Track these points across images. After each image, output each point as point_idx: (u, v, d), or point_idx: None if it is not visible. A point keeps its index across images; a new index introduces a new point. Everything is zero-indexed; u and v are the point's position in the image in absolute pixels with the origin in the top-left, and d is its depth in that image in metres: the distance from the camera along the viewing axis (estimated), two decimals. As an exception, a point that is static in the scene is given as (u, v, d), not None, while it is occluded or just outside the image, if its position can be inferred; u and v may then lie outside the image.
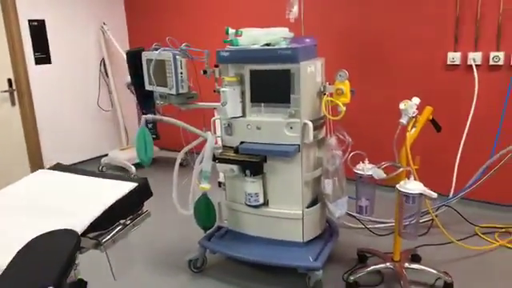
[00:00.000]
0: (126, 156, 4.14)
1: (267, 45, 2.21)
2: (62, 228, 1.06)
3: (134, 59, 2.53)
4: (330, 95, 2.14)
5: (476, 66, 2.85)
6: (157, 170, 3.77)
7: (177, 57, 2.30)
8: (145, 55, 2.45)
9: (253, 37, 2.23)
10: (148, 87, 2.48)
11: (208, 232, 2.42)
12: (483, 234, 2.68)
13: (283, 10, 2.95)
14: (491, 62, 2.80)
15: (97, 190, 1.32)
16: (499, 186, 2.87)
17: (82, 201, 1.26)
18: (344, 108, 2.07)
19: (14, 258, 1.00)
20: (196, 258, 2.40)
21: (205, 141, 2.29)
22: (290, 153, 2.08)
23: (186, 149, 2.43)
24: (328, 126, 2.27)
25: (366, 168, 2.10)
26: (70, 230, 1.07)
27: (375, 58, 3.25)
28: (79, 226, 1.13)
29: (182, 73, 2.33)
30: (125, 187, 1.30)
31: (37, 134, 4.08)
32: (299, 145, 2.11)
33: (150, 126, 2.52)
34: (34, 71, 4.01)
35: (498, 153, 2.61)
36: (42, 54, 4.04)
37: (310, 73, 2.12)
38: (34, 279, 0.91)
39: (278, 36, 2.23)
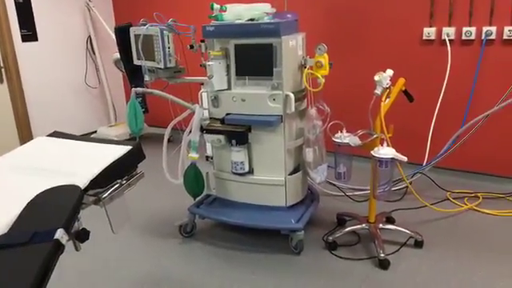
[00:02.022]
0: (115, 132, 4.24)
1: (251, 20, 2.31)
2: (65, 184, 1.19)
3: (122, 35, 2.60)
4: (310, 68, 2.26)
5: (449, 40, 3.00)
6: (146, 146, 3.83)
7: (164, 32, 2.39)
8: (133, 31, 2.53)
9: (237, 12, 2.33)
10: (136, 62, 2.57)
11: (197, 199, 2.56)
12: (454, 198, 2.88)
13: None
14: (463, 37, 2.95)
15: (95, 152, 1.43)
16: (469, 155, 3.07)
17: (82, 161, 1.38)
18: (323, 80, 2.20)
19: (23, 210, 1.13)
20: (186, 224, 2.55)
21: (192, 114, 2.42)
22: (273, 123, 2.22)
23: (174, 121, 2.54)
24: (309, 97, 2.41)
25: (343, 136, 2.25)
26: (73, 185, 1.20)
27: (355, 33, 3.37)
28: (80, 183, 1.26)
29: (169, 47, 2.43)
30: (120, 150, 1.42)
31: (26, 112, 4.13)
32: (282, 115, 2.24)
33: (139, 99, 2.63)
34: (21, 49, 4.03)
35: (468, 123, 2.80)
36: (29, 32, 4.06)
37: (292, 47, 2.24)
38: (45, 223, 1.03)
39: (260, 11, 2.34)
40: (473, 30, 2.91)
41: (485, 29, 2.87)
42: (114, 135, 4.18)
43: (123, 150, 1.42)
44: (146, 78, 2.58)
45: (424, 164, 3.00)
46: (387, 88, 2.19)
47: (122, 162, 1.40)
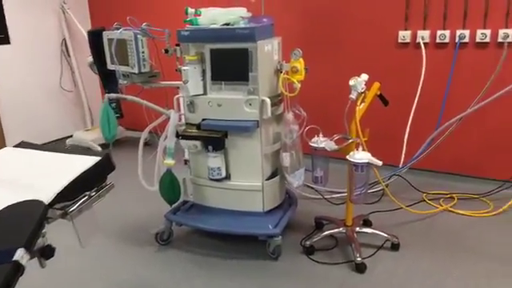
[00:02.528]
0: (91, 137, 4.16)
1: (226, 24, 2.29)
2: (29, 199, 1.15)
3: (95, 39, 2.56)
4: (286, 73, 2.26)
5: (424, 43, 3.03)
6: (122, 150, 3.82)
7: (138, 36, 2.35)
8: (106, 35, 2.48)
9: (212, 16, 2.30)
10: (110, 66, 2.52)
11: (174, 206, 2.53)
12: (430, 200, 2.92)
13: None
14: (438, 40, 2.99)
15: (62, 164, 1.40)
16: (445, 156, 3.11)
17: (48, 174, 1.34)
18: (299, 85, 2.20)
19: (-17, 227, 1.08)
20: (162, 231, 2.51)
21: (168, 119, 2.39)
22: (250, 128, 2.21)
23: (150, 126, 2.51)
24: (286, 102, 2.40)
25: (319, 141, 2.24)
26: (37, 200, 1.16)
27: (331, 36, 3.38)
28: (45, 197, 1.22)
29: (143, 52, 2.39)
30: (88, 161, 1.38)
31: (-2, 116, 4.03)
32: (258, 120, 2.23)
33: (113, 105, 2.58)
34: (-7, 52, 3.93)
35: (443, 125, 2.84)
36: (1, 35, 3.95)
37: (267, 51, 2.23)
38: (5, 243, 0.99)
39: (236, 16, 2.31)
40: (447, 33, 2.96)
41: (458, 32, 2.92)
42: (89, 139, 4.09)
43: (91, 161, 1.38)
44: (120, 82, 2.53)
45: (400, 166, 3.03)
46: (362, 93, 2.20)
47: (91, 173, 1.37)
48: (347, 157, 2.15)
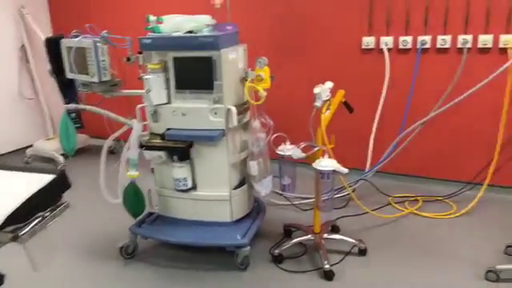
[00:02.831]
0: (52, 146, 3.99)
1: (190, 32, 2.25)
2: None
3: (53, 47, 2.46)
4: (252, 81, 2.24)
5: (387, 49, 3.09)
6: (87, 159, 3.70)
7: (98, 44, 2.27)
8: (64, 43, 2.39)
9: (175, 24, 2.26)
10: (69, 75, 2.43)
11: (138, 218, 2.45)
12: (396, 203, 2.97)
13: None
14: (400, 46, 3.05)
15: (13, 183, 1.32)
16: (410, 159, 3.17)
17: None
18: (265, 93, 2.18)
19: None
20: (127, 245, 2.43)
21: (132, 128, 2.32)
22: (216, 137, 2.17)
23: (112, 136, 2.42)
24: (252, 109, 2.38)
25: (286, 149, 2.24)
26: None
27: (298, 43, 3.39)
28: (-5, 220, 1.14)
29: (103, 60, 2.31)
30: (41, 180, 1.31)
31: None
32: (224, 129, 2.20)
33: (73, 115, 2.49)
34: None
35: (407, 129, 2.90)
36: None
37: (232, 59, 2.20)
38: None
39: (200, 23, 2.28)
40: (409, 39, 3.02)
41: (420, 38, 2.98)
42: (51, 149, 3.93)
43: (45, 179, 1.31)
44: (80, 90, 2.44)
45: (367, 170, 3.07)
46: (327, 100, 2.21)
47: (45, 193, 1.30)
48: (313, 165, 2.15)
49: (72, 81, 2.46)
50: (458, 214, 2.77)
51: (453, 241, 2.49)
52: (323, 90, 2.18)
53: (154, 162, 2.36)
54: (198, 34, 2.19)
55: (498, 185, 2.92)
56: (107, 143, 2.38)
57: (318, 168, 2.11)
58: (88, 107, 2.29)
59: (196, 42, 2.14)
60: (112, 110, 2.42)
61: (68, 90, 2.48)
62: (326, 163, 2.11)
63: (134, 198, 2.31)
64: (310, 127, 2.21)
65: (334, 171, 2.10)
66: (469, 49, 2.85)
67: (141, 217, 2.45)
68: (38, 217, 1.28)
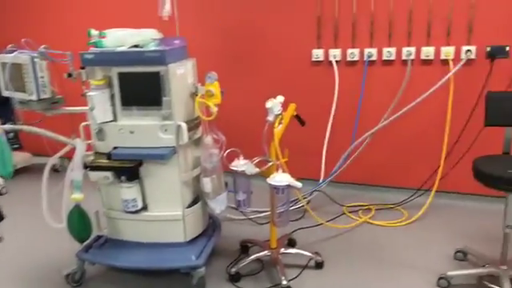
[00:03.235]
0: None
1: (135, 46, 2.16)
2: None
3: (-16, 62, 2.27)
4: (202, 96, 2.18)
5: (336, 61, 3.14)
6: (29, 179, 3.47)
7: (35, 60, 2.13)
8: (-1, 58, 2.22)
9: (119, 38, 2.16)
10: (4, 93, 2.26)
11: (86, 243, 2.31)
12: (350, 212, 3.00)
13: (155, 8, 2.92)
14: (348, 58, 3.11)
15: None
16: (362, 168, 3.23)
17: None
18: (215, 109, 2.13)
19: None
20: (74, 272, 2.28)
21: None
22: (166, 155, 2.09)
23: (55, 156, 2.28)
24: (204, 125, 2.32)
25: (239, 164, 2.20)
26: None
27: (248, 57, 3.37)
28: None
29: (42, 77, 2.17)
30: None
31: None
32: (175, 146, 2.12)
33: (10, 135, 2.31)
34: None
35: (357, 139, 2.95)
36: None
37: (180, 74, 2.14)
38: None
39: (145, 37, 2.19)
40: (356, 51, 3.09)
41: (366, 50, 3.06)
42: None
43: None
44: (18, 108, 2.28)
45: (321, 181, 3.09)
46: (279, 114, 2.19)
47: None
48: (268, 180, 2.12)
49: (7, 99, 2.29)
50: (409, 221, 2.85)
51: (405, 248, 2.55)
52: (275, 104, 2.16)
53: (101, 182, 2.23)
54: (143, 49, 2.11)
55: (446, 190, 3.04)
56: (49, 164, 2.23)
57: (273, 183, 2.09)
58: (26, 127, 2.14)
59: (142, 57, 2.05)
60: (54, 129, 2.27)
61: (3, 109, 2.30)
62: (281, 178, 2.09)
63: (79, 223, 2.17)
64: (264, 142, 2.18)
65: (288, 186, 2.08)
66: (412, 60, 2.96)
67: (88, 241, 2.30)
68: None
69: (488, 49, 2.76)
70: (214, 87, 2.12)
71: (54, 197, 2.24)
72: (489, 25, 2.74)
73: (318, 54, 3.19)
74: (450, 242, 2.54)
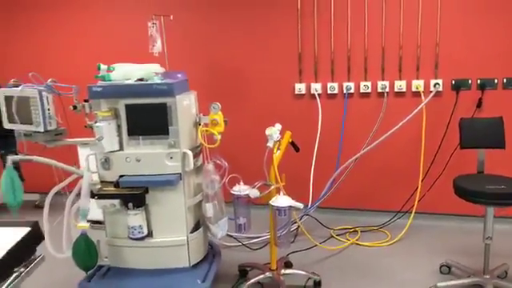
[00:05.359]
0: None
1: (140, 79, 2.29)
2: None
3: (-13, 96, 2.31)
4: (205, 125, 2.32)
5: (318, 94, 3.39)
6: (22, 214, 3.39)
7: (43, 93, 2.20)
8: (3, 92, 2.27)
9: (125, 72, 2.29)
10: (8, 126, 2.29)
11: (88, 273, 2.31)
12: (337, 235, 3.16)
13: (146, 44, 3.07)
14: (329, 91, 3.37)
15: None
16: (346, 193, 3.42)
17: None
18: (219, 136, 2.27)
19: None
20: (77, 303, 2.26)
21: (77, 179, 2.24)
22: (173, 182, 2.18)
23: (56, 188, 2.30)
24: (205, 153, 2.44)
25: (242, 189, 2.32)
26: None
27: (234, 90, 3.56)
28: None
29: (49, 109, 2.24)
30: (18, 232, 1.23)
31: None
32: (180, 173, 2.22)
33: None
34: None
35: (341, 166, 3.16)
36: None
37: (186, 105, 2.28)
38: None
39: (150, 71, 2.34)
40: (335, 85, 3.35)
41: (345, 84, 3.33)
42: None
43: (21, 232, 1.24)
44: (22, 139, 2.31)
45: (309, 206, 3.24)
46: (278, 141, 2.36)
47: (21, 246, 1.22)
48: (270, 202, 2.25)
49: (10, 131, 2.32)
50: (393, 241, 3.03)
51: (393, 265, 2.71)
52: (274, 131, 2.33)
53: (106, 210, 2.27)
54: (152, 82, 2.24)
55: (424, 212, 3.26)
56: (50, 195, 2.25)
57: (275, 205, 2.22)
58: (35, 158, 2.17)
59: (151, 90, 2.18)
60: (53, 159, 2.31)
61: (5, 142, 2.32)
62: (283, 200, 2.23)
63: (85, 251, 2.18)
64: (264, 167, 2.33)
65: (290, 207, 2.22)
66: (387, 93, 3.25)
67: (90, 272, 2.30)
68: (14, 272, 1.19)
69: (453, 82, 3.11)
70: (219, 116, 2.27)
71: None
72: (452, 60, 3.09)
73: (300, 87, 3.43)
74: (434, 258, 2.73)
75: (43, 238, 1.32)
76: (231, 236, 2.98)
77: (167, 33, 3.19)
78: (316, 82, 3.41)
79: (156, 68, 2.40)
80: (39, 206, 3.39)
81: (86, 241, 2.19)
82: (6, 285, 1.16)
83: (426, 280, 2.48)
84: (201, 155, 2.45)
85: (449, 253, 2.78)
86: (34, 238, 1.28)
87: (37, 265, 1.28)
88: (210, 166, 2.34)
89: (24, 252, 1.24)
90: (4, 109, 2.28)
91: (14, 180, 2.06)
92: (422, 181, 3.14)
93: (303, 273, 2.50)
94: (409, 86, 3.21)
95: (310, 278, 2.50)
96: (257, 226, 2.76)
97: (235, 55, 3.53)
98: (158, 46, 3.18)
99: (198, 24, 3.57)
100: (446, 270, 2.57)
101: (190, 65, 3.56)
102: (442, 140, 3.15)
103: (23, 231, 1.24)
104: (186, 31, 3.57)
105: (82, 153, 2.63)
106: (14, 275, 1.19)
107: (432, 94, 3.10)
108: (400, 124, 3.01)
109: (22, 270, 1.24)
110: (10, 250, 1.17)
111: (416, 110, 3.02)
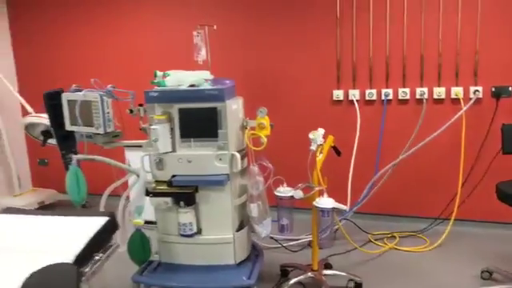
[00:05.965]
0: (22, 202, 3.85)
1: (192, 85, 2.44)
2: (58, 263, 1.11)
3: (52, 100, 2.51)
4: (252, 129, 2.43)
5: (356, 101, 3.46)
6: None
7: (104, 97, 2.38)
8: (66, 96, 2.46)
9: (178, 78, 2.44)
10: (70, 128, 2.48)
11: (140, 267, 2.45)
12: (375, 240, 3.20)
13: (191, 53, 3.23)
14: (367, 98, 3.44)
15: (71, 227, 1.36)
16: (383, 199, 3.45)
17: (57, 237, 1.30)
18: (266, 140, 2.38)
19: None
20: (131, 295, 2.40)
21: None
22: (223, 182, 2.31)
23: (110, 188, 2.48)
24: (250, 155, 2.55)
25: (286, 190, 2.42)
26: (67, 263, 1.13)
27: (273, 97, 3.65)
28: (65, 261, 1.19)
29: (108, 112, 2.41)
30: (98, 221, 1.37)
31: None
32: (228, 174, 2.34)
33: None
34: None
35: (380, 171, 3.20)
36: None
37: (235, 110, 2.40)
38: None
39: (200, 77, 2.48)
40: (374, 91, 3.41)
41: (383, 91, 3.39)
42: (21, 205, 3.77)
43: (101, 221, 1.38)
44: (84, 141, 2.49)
45: (347, 210, 3.29)
46: (321, 144, 2.45)
47: (100, 234, 1.36)
48: (314, 203, 2.33)
49: (71, 133, 2.51)
50: (432, 247, 3.05)
51: (434, 270, 2.74)
52: (317, 135, 2.42)
53: (159, 208, 2.41)
54: (203, 87, 2.38)
55: (463, 218, 3.26)
56: (107, 192, 2.42)
57: (320, 206, 2.30)
58: (97, 157, 2.34)
59: (203, 95, 2.32)
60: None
61: (67, 142, 2.51)
62: (326, 202, 2.31)
63: (140, 245, 2.32)
64: (308, 169, 2.42)
65: (333, 209, 2.30)
66: (426, 99, 3.29)
67: (141, 266, 2.44)
68: (97, 256, 1.33)
69: (493, 89, 3.11)
70: (265, 120, 2.38)
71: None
72: (492, 67, 3.10)
73: (338, 94, 3.51)
74: (474, 263, 2.73)
75: (118, 227, 1.45)
76: (272, 237, 3.07)
77: (210, 41, 3.34)
78: (354, 88, 3.48)
79: (206, 75, 2.55)
80: (85, 207, 3.58)
81: (141, 236, 2.33)
82: (88, 268, 1.30)
83: (467, 284, 2.50)
84: (246, 157, 2.57)
85: (490, 259, 2.77)
86: (112, 226, 1.42)
87: (114, 250, 1.41)
88: (254, 168, 2.44)
89: (103, 239, 1.38)
90: (67, 112, 2.47)
91: (78, 177, 2.23)
92: (462, 186, 3.14)
93: (344, 274, 2.56)
94: (448, 92, 3.23)
95: (350, 280, 2.55)
96: (296, 229, 2.84)
97: (273, 62, 3.65)
98: (202, 55, 3.33)
99: (238, 33, 3.72)
100: (487, 275, 2.58)
101: (230, 72, 3.71)
102: (481, 146, 3.16)
103: (102, 220, 1.38)
104: (227, 40, 3.72)
105: (129, 155, 2.82)
106: (96, 259, 1.33)
107: (472, 101, 3.11)
108: (440, 130, 3.04)
109: (101, 255, 1.37)
110: (92, 237, 1.31)
111: (456, 117, 3.05)
